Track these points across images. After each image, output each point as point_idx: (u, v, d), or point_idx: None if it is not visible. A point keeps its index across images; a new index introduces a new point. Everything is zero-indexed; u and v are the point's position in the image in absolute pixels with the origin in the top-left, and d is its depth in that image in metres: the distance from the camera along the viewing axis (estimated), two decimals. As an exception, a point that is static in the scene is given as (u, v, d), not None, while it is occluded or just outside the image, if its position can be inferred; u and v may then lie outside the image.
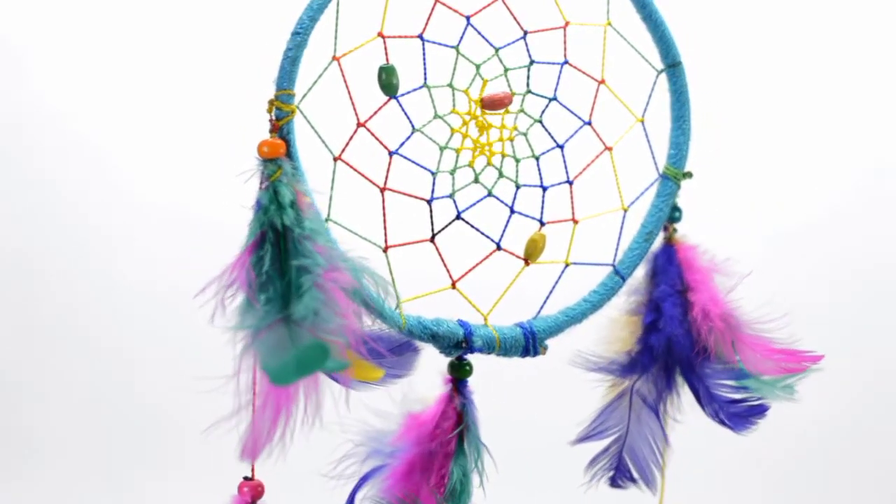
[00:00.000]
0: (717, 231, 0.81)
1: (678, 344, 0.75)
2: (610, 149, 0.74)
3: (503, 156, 0.70)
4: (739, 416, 0.76)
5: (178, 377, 1.20)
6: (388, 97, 0.65)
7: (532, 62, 0.70)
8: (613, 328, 0.78)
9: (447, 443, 0.67)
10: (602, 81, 0.73)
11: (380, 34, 0.64)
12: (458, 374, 0.69)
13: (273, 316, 0.55)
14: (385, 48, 0.64)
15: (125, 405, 1.37)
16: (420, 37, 0.66)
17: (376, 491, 0.68)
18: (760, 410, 0.76)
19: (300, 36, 0.60)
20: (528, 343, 0.70)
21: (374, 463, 0.69)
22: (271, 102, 0.60)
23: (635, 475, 0.79)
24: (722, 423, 0.77)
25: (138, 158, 1.40)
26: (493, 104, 0.68)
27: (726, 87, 1.33)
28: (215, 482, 1.42)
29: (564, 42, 0.71)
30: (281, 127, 0.60)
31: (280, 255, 0.57)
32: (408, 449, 0.68)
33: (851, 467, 1.34)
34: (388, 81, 0.64)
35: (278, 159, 0.58)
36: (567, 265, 0.73)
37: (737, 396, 0.77)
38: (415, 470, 0.68)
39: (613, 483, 0.80)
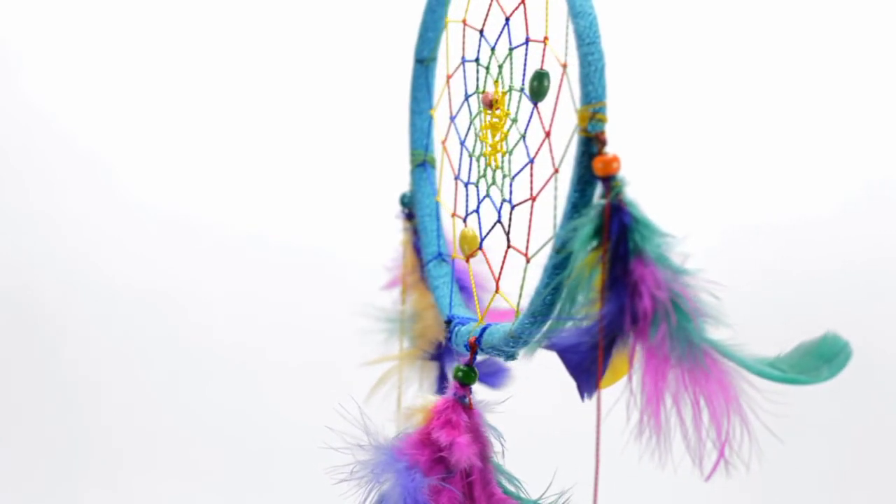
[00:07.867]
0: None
1: None
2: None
3: (503, 154, 0.69)
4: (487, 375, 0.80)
5: (179, 377, 1.36)
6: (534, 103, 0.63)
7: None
8: None
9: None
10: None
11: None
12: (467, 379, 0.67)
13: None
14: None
15: (126, 407, 1.38)
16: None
17: None
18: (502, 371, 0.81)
19: (598, 44, 0.55)
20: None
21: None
22: (588, 116, 0.54)
23: None
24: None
25: (135, 161, 1.42)
26: (490, 104, 0.68)
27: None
28: (206, 482, 1.32)
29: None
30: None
31: None
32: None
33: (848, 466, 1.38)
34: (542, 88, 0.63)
35: (618, 175, 0.54)
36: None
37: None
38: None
39: None
